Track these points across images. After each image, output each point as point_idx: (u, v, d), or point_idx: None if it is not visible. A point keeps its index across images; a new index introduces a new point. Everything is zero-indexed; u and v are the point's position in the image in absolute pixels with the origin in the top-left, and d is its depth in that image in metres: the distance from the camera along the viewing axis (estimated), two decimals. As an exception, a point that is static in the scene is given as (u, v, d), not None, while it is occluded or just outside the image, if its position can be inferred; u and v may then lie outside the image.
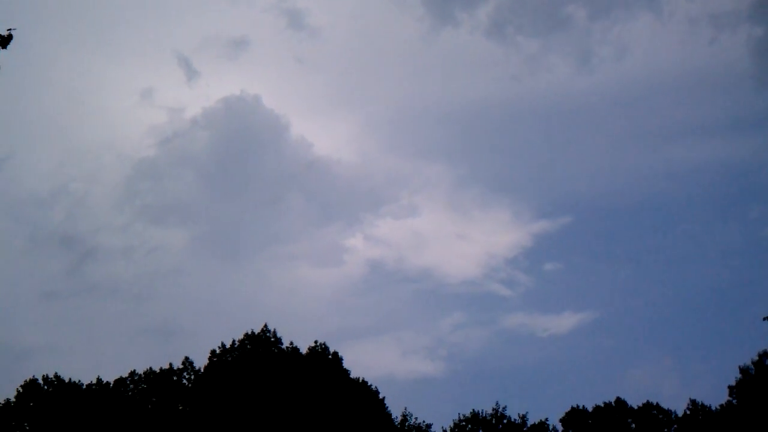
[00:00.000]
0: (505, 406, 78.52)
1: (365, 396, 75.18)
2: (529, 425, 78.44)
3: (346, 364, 76.49)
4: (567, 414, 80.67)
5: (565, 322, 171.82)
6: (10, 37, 15.42)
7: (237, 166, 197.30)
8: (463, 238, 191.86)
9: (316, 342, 76.62)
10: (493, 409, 78.11)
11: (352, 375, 76.24)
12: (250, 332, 75.54)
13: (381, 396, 76.73)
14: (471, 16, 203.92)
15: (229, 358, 73.86)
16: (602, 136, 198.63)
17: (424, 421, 77.99)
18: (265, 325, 76.63)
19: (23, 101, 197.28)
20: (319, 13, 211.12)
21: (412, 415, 77.79)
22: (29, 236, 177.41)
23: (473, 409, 78.26)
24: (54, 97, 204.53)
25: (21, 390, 77.55)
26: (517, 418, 78.27)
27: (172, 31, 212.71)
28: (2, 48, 15.43)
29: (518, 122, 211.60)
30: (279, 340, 76.07)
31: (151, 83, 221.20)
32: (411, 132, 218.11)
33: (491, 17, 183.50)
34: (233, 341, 75.00)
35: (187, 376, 75.91)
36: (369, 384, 76.80)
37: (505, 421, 77.64)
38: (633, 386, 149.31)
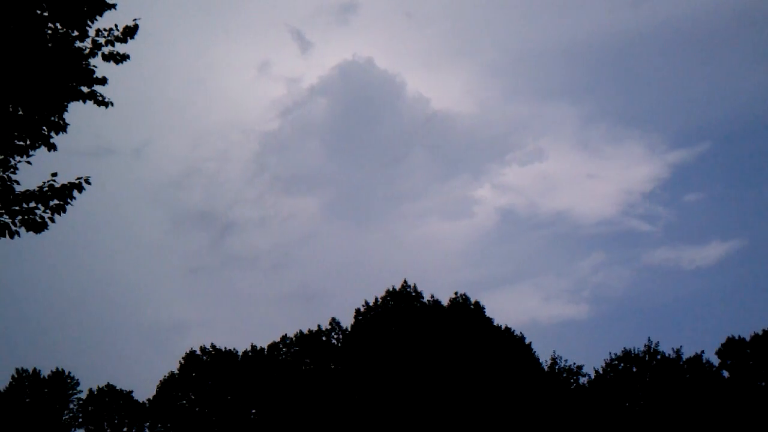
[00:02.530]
0: (658, 342, 76.43)
1: (511, 343, 74.94)
2: (684, 359, 76.13)
3: (488, 313, 76.42)
4: (723, 345, 77.69)
5: (712, 252, 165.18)
6: (136, 27, 15.74)
7: (358, 129, 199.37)
8: (595, 177, 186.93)
9: (456, 293, 76.83)
10: (645, 346, 76.17)
11: (495, 323, 76.10)
12: (391, 289, 76.57)
13: (527, 341, 76.35)
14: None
15: (373, 314, 75.22)
16: (733, 54, 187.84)
17: (574, 363, 77.06)
18: (405, 281, 77.42)
19: (152, 90, 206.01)
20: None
21: (561, 358, 76.99)
22: (171, 217, 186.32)
23: (624, 348, 76.64)
24: (178, 82, 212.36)
25: (183, 362, 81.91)
26: (672, 353, 76.08)
27: (282, 4, 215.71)
28: (130, 38, 15.77)
29: (642, 50, 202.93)
30: (420, 295, 76.72)
31: (267, 59, 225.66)
32: (529, 75, 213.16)
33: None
34: (376, 299, 76.27)
35: (335, 336, 77.99)
36: (513, 331, 76.46)
37: (658, 357, 75.61)
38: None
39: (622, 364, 76.31)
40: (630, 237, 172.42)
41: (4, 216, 14.89)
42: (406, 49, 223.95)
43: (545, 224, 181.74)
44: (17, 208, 14.90)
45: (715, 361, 77.23)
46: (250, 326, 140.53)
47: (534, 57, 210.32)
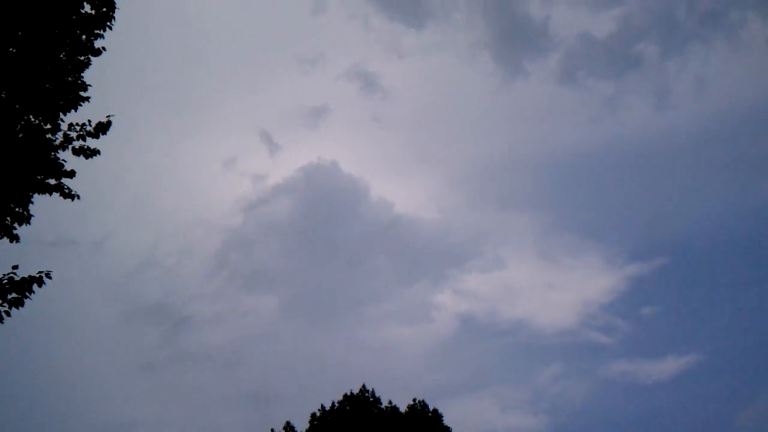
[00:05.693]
0: (616, 457, 75.51)
1: (469, 453, 73.48)
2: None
3: (446, 421, 74.95)
4: (682, 462, 77.04)
5: (668, 366, 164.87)
6: (109, 124, 15.88)
7: (320, 230, 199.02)
8: (555, 287, 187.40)
9: (414, 400, 75.38)
10: (604, 460, 75.21)
11: (454, 432, 74.70)
12: (348, 393, 75.04)
13: (485, 452, 74.96)
14: (541, 66, 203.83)
15: (330, 419, 73.42)
16: (689, 173, 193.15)
17: (532, 476, 75.59)
18: (363, 386, 75.99)
19: (118, 182, 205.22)
20: (390, 75, 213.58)
21: (519, 471, 75.49)
22: (125, 311, 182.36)
23: (582, 461, 75.55)
24: (145, 174, 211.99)
25: (128, 463, 78.82)
26: (630, 468, 75.15)
27: (253, 106, 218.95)
28: (102, 134, 15.88)
29: (602, 165, 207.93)
30: (378, 400, 75.24)
31: (234, 155, 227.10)
32: (491, 185, 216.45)
33: (561, 64, 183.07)
34: (332, 403, 74.52)
35: (289, 441, 75.76)
36: (472, 440, 75.09)
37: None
38: (749, 427, 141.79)
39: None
40: (589, 348, 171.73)
41: (-41, 309, 14.46)
42: (373, 154, 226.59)
43: (505, 332, 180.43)
44: (-27, 300, 14.50)
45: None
46: (202, 427, 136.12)
47: (496, 168, 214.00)
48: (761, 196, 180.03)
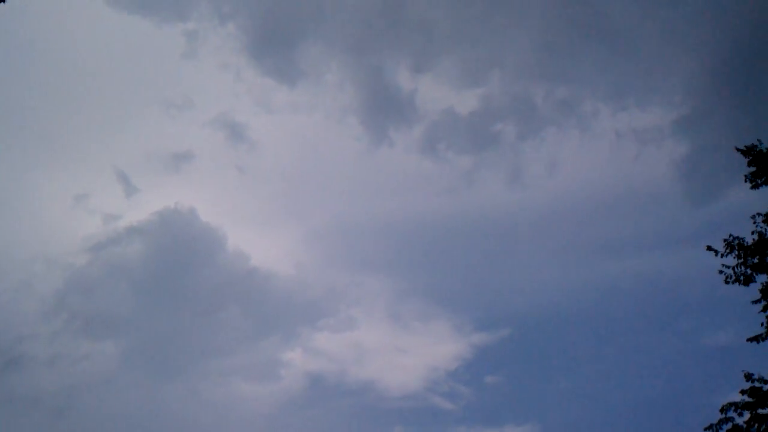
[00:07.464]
0: None
1: None
2: None
3: (285, 482, 73.66)
4: None
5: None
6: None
7: (171, 277, 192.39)
8: (403, 351, 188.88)
9: (254, 458, 73.82)
10: None
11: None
12: (185, 449, 72.52)
13: None
14: (405, 135, 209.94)
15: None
16: (537, 250, 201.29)
17: None
18: (202, 441, 73.78)
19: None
20: (258, 128, 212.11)
21: None
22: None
23: None
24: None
25: None
26: None
27: (113, 146, 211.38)
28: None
29: (456, 235, 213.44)
30: (215, 457, 73.15)
31: (85, 192, 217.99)
32: (349, 245, 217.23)
33: (424, 136, 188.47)
34: (168, 458, 71.80)
35: (117, 497, 72.12)
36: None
37: None
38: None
39: None
40: (432, 413, 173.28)
41: None
42: (233, 204, 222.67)
43: (352, 393, 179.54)
44: None
45: None
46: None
47: (355, 230, 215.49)
48: (600, 276, 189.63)
